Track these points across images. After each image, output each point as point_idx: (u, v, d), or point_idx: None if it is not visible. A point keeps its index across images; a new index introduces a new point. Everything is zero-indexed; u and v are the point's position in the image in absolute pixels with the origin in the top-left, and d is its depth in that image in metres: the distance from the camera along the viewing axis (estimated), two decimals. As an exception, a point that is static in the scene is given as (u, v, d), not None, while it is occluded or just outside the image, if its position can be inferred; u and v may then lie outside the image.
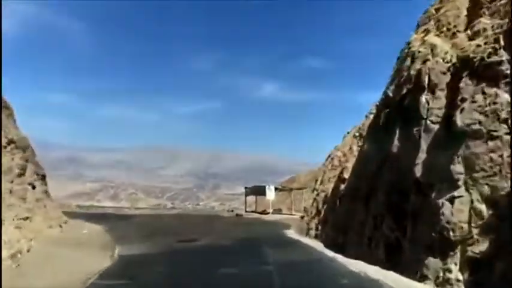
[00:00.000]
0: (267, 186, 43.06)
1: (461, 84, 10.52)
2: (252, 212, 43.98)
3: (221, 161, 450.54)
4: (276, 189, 44.21)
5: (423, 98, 11.72)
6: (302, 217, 26.31)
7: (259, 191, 44.90)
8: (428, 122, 11.37)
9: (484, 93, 9.79)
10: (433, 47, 12.28)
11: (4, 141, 15.20)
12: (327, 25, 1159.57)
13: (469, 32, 11.50)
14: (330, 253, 14.83)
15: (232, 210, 49.31)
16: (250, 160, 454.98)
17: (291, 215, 36.67)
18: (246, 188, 51.66)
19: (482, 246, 8.60)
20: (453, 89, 10.90)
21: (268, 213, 40.19)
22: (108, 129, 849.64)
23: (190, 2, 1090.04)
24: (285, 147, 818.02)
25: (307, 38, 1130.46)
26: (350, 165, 18.12)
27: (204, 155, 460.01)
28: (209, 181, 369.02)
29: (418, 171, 11.10)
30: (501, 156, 8.84)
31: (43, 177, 20.30)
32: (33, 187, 17.86)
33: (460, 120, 10.08)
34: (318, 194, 23.65)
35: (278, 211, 42.24)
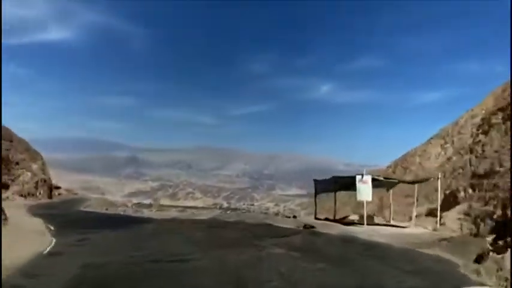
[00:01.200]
0: (358, 178, 22.43)
1: None
2: (327, 220, 26.53)
3: (276, 162, 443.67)
4: (373, 180, 22.63)
5: None
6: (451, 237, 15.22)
7: (342, 184, 26.64)
8: None
9: None
10: None
11: None
12: (382, 23, 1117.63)
13: None
14: None
15: (294, 216, 32.06)
16: (306, 161, 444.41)
17: (399, 226, 22.19)
18: (316, 181, 29.73)
19: None
20: None
21: (357, 223, 23.42)
22: (167, 130, 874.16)
23: (242, 2, 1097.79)
24: (340, 148, 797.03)
25: (363, 37, 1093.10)
26: None
27: (259, 156, 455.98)
28: (264, 182, 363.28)
29: None
30: None
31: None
32: None
33: None
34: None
35: (370, 219, 23.85)
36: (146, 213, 28.12)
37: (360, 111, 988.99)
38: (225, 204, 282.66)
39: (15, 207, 27.05)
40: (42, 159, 53.27)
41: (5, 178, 37.68)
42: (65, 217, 22.90)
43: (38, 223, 19.41)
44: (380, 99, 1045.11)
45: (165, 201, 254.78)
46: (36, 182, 45.16)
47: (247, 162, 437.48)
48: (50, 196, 51.75)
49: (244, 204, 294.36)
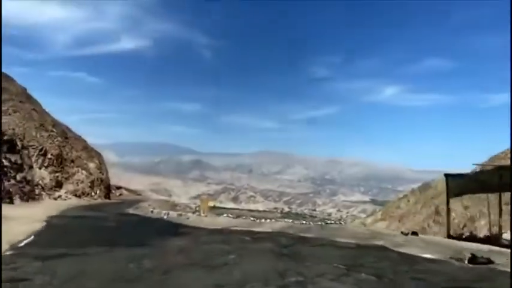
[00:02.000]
0: None
1: None
2: (472, 240, 15.35)
3: (338, 167, 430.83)
4: None
5: None
6: None
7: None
8: None
9: None
10: None
11: None
12: (447, 23, 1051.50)
13: None
14: None
15: (414, 233, 16.04)
16: (369, 167, 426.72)
17: None
18: (447, 176, 17.15)
19: None
20: None
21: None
22: (231, 135, 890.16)
23: (301, 3, 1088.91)
24: (406, 153, 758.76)
25: (427, 38, 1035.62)
26: None
27: (321, 160, 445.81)
28: (326, 187, 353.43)
29: None
30: None
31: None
32: None
33: None
34: None
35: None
36: (193, 218, 22.27)
37: (426, 114, 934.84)
38: (286, 209, 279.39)
39: (49, 208, 24.50)
40: (101, 158, 52.56)
41: (58, 176, 36.77)
42: (88, 222, 18.50)
43: (23, 232, 12.99)
44: (448, 101, 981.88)
45: (228, 204, 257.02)
46: (92, 181, 43.90)
47: (308, 166, 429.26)
48: (108, 196, 50.64)
49: (306, 209, 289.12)
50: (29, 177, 29.81)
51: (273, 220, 23.10)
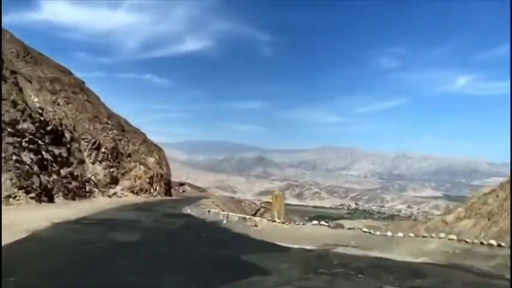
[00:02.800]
0: None
1: None
2: None
3: (407, 162, 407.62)
4: None
5: None
6: None
7: None
8: None
9: None
10: None
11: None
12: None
13: None
14: None
15: None
16: (441, 161, 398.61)
17: None
18: None
19: None
20: None
21: None
22: (292, 131, 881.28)
23: None
24: (481, 146, 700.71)
25: (499, 24, 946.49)
26: None
27: (388, 155, 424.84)
28: (394, 182, 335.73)
29: None
30: None
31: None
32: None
33: None
34: None
35: None
36: (263, 225, 14.34)
37: (503, 103, 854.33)
38: (353, 205, 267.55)
39: (87, 207, 20.06)
40: (161, 153, 49.06)
41: (113, 171, 33.23)
42: (98, 233, 11.33)
43: None
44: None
45: (292, 201, 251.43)
46: (151, 177, 40.02)
47: (375, 161, 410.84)
48: (169, 192, 47.25)
49: (373, 205, 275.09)
50: (77, 173, 26.13)
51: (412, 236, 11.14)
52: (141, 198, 34.16)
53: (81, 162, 28.78)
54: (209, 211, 20.59)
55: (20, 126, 19.92)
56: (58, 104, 29.39)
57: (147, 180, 39.65)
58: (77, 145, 29.06)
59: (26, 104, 21.90)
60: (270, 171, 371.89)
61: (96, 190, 29.15)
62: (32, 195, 18.29)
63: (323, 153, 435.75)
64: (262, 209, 64.10)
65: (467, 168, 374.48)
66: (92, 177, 29.63)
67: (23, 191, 17.68)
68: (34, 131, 21.32)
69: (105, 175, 32.28)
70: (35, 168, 19.97)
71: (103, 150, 33.37)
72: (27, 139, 20.13)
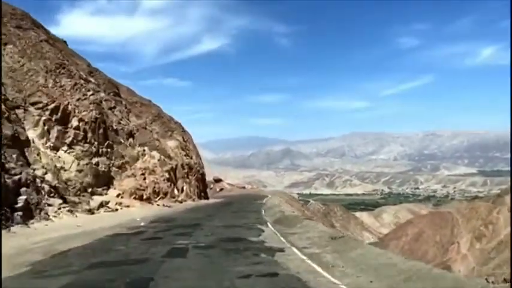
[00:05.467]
0: None
1: None
2: None
3: (437, 141, 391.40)
4: None
5: None
6: None
7: None
8: None
9: None
10: None
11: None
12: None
13: None
14: None
15: None
16: (472, 136, 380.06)
17: None
18: None
19: None
20: None
21: None
22: (317, 120, 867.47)
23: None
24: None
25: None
26: None
27: (417, 135, 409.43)
28: (426, 162, 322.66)
29: None
30: None
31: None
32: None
33: None
34: None
35: None
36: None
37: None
38: (386, 190, 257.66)
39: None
40: (186, 135, 39.45)
41: (99, 163, 26.85)
42: None
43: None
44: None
45: (323, 191, 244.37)
46: (173, 171, 29.99)
47: (404, 143, 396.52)
48: (204, 194, 36.94)
49: (407, 188, 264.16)
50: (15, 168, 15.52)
51: None
52: (155, 209, 21.93)
53: (22, 144, 14.91)
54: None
55: None
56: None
57: (166, 176, 27.47)
58: (14, 116, 15.55)
59: None
60: (298, 162, 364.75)
61: (57, 204, 15.28)
62: None
63: (350, 139, 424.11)
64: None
65: (500, 141, 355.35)
66: (48, 177, 16.04)
67: None
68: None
69: (80, 171, 19.11)
70: None
71: (75, 123, 19.99)
72: None
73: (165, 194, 26.82)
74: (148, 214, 18.77)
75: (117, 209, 19.15)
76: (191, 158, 36.03)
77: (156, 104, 36.06)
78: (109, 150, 22.13)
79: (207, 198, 37.72)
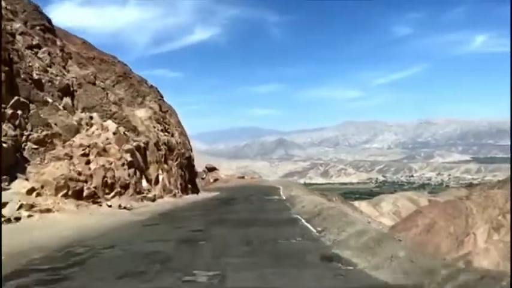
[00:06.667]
0: None
1: None
2: None
3: (431, 129, 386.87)
4: None
5: None
6: None
7: None
8: None
9: None
10: None
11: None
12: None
13: None
14: None
15: None
16: (466, 124, 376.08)
17: None
18: None
19: None
20: None
21: None
22: (310, 110, 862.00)
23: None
24: (506, 104, 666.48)
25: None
26: None
27: (411, 124, 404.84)
28: (420, 150, 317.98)
29: None
30: None
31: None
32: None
33: None
34: None
35: None
36: None
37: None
38: (381, 178, 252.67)
39: None
40: (165, 104, 31.19)
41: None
42: None
43: None
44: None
45: (318, 180, 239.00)
46: (140, 151, 22.60)
47: (397, 132, 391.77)
48: (193, 186, 29.18)
49: (402, 176, 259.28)
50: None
51: None
52: (98, 218, 13.27)
53: None
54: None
55: None
56: None
57: (128, 158, 18.82)
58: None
59: None
60: (292, 152, 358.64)
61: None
62: None
63: (344, 129, 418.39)
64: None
65: (492, 129, 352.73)
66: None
67: None
68: None
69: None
70: None
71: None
72: None
73: (125, 187, 18.03)
74: (66, 234, 9.89)
75: (19, 218, 10.98)
76: (172, 136, 27.40)
77: (124, 62, 27.31)
78: (19, 113, 13.80)
79: (196, 191, 29.29)
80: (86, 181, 15.58)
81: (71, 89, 18.24)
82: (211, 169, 53.86)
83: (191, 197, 25.30)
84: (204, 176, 49.78)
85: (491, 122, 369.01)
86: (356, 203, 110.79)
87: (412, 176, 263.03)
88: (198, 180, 40.67)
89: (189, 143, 32.25)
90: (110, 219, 13.29)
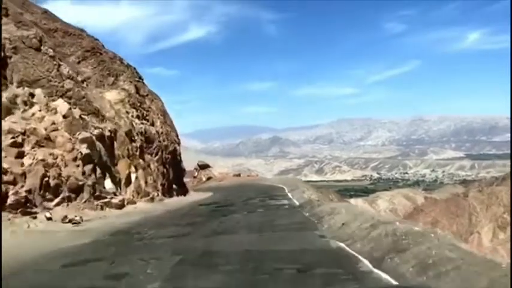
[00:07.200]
0: None
1: None
2: None
3: (425, 126, 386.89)
4: None
5: None
6: None
7: None
8: None
9: None
10: None
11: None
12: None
13: None
14: None
15: None
16: (459, 121, 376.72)
17: None
18: None
19: None
20: None
21: None
22: (305, 108, 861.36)
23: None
24: (499, 100, 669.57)
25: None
26: None
27: (405, 121, 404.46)
28: (414, 147, 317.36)
29: None
30: None
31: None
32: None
33: None
34: None
35: None
36: None
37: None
38: (375, 175, 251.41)
39: None
40: (145, 86, 26.91)
41: None
42: None
43: None
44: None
45: (313, 177, 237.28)
46: (107, 142, 16.98)
47: (391, 129, 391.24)
48: (181, 186, 23.23)
49: (396, 173, 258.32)
50: None
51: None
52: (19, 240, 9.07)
53: None
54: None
55: None
56: None
57: (84, 150, 14.94)
58: None
59: None
60: (286, 150, 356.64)
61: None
62: None
63: (338, 126, 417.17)
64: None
65: (486, 126, 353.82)
66: None
67: None
68: None
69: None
70: None
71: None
72: None
73: (77, 190, 13.88)
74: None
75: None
76: (152, 125, 22.75)
77: (95, 37, 23.09)
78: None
79: (183, 193, 24.96)
80: (14, 182, 11.57)
81: (1, 53, 13.96)
82: (203, 166, 48.94)
83: (175, 201, 20.87)
84: (196, 174, 46.50)
85: (485, 119, 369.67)
86: (352, 201, 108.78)
87: (407, 173, 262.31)
88: (188, 180, 37.35)
89: (176, 135, 28.30)
90: (27, 246, 8.57)
